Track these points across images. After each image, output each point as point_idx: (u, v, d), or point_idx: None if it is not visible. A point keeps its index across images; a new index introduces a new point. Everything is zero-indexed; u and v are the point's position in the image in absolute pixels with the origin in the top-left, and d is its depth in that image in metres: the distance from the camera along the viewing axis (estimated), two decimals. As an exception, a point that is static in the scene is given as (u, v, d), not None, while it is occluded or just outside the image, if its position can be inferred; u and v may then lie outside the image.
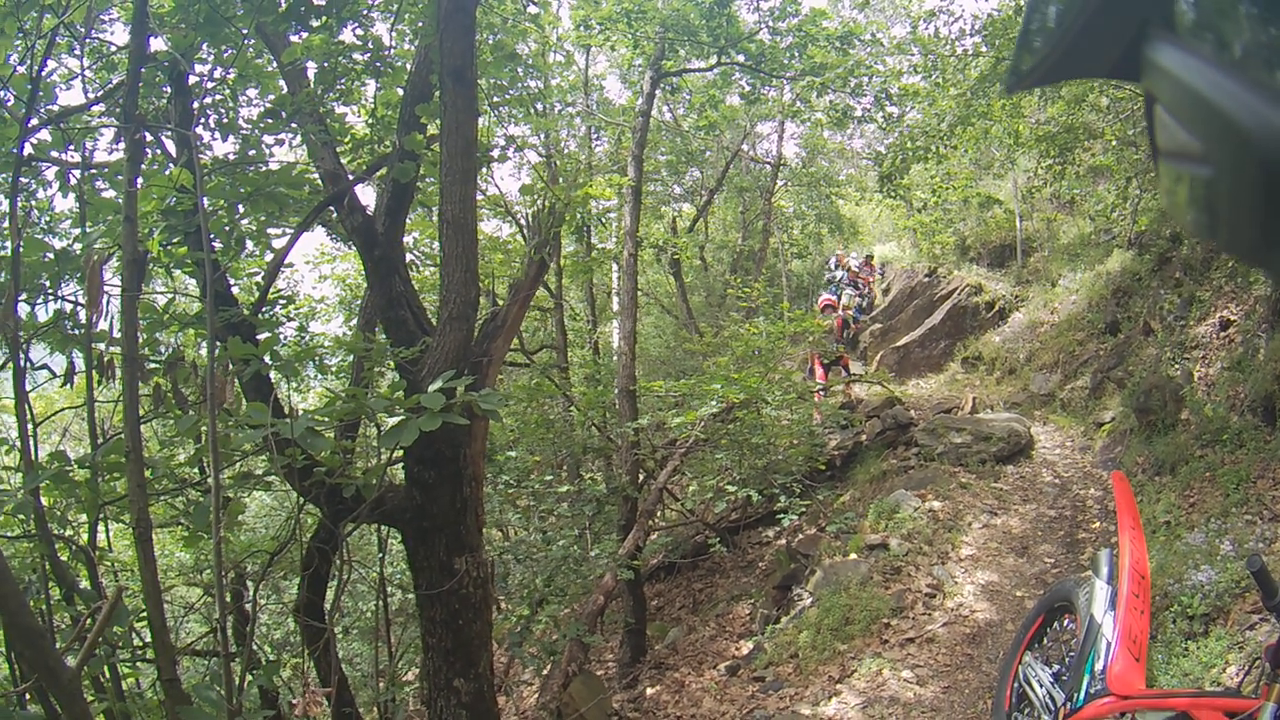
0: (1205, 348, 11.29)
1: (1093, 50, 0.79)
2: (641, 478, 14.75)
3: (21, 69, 6.05)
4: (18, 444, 5.37)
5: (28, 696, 4.90)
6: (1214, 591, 7.19)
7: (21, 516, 5.39)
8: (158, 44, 6.04)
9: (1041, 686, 5.95)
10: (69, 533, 6.17)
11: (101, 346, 5.41)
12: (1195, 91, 0.66)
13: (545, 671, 10.68)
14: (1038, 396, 16.35)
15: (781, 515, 12.73)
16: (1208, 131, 0.65)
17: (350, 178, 7.81)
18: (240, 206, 6.70)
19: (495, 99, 10.35)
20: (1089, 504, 11.71)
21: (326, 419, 5.37)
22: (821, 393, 17.22)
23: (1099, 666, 5.08)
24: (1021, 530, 11.22)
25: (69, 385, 5.80)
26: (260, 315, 7.12)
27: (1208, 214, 0.68)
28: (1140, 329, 13.75)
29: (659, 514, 15.88)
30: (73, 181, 6.48)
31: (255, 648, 6.52)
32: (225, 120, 7.24)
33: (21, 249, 4.88)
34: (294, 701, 5.36)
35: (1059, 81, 1.06)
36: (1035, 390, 16.58)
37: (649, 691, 11.25)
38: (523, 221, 14.67)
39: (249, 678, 5.50)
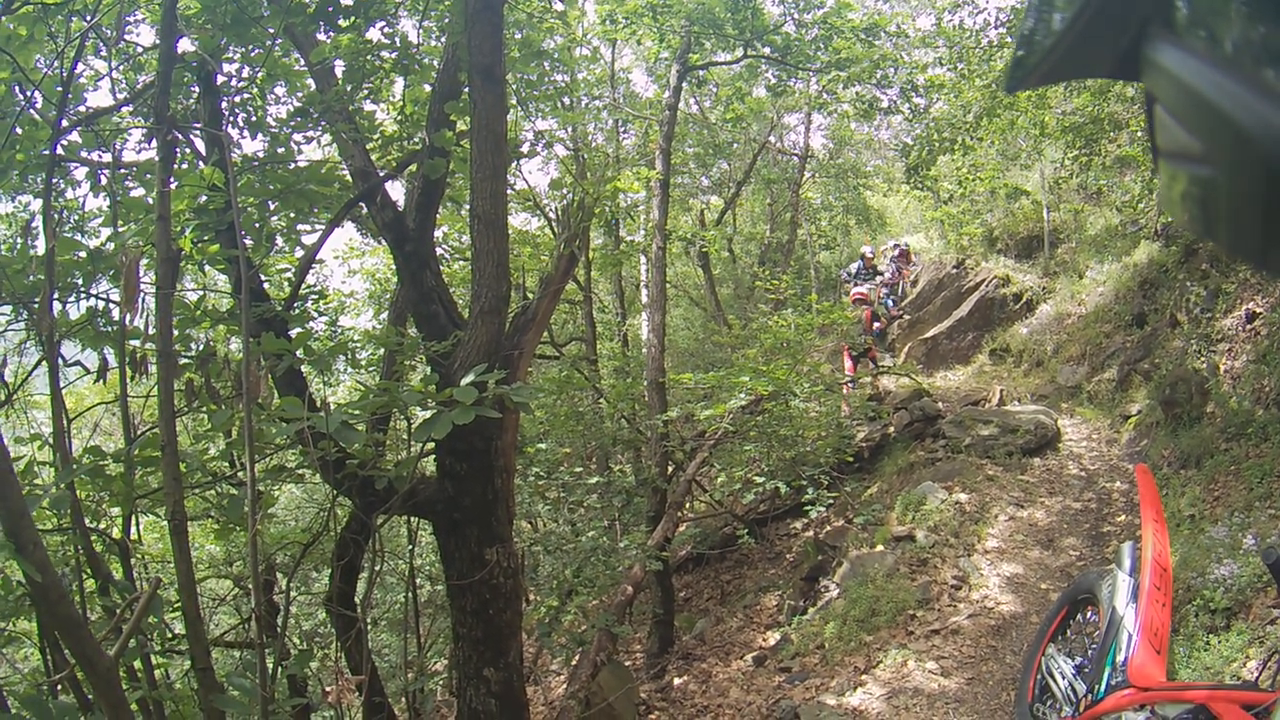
0: (1231, 341, 11.21)
1: (1093, 50, 0.80)
2: (670, 469, 14.80)
3: (49, 72, 6.15)
4: (51, 440, 5.47)
5: (59, 687, 5.00)
6: (1236, 586, 7.17)
7: (51, 512, 5.49)
8: (185, 45, 6.11)
9: (1064, 678, 5.98)
10: (103, 525, 6.27)
11: (134, 343, 5.49)
12: (1195, 92, 0.67)
13: (574, 661, 10.71)
14: (1065, 389, 16.25)
15: (809, 507, 12.72)
16: (1208, 132, 0.67)
17: (380, 174, 7.88)
18: (270, 204, 6.78)
19: (523, 94, 10.41)
20: (1115, 497, 11.66)
21: (360, 412, 5.44)
22: (850, 385, 17.21)
23: (1120, 658, 5.10)
24: (1047, 523, 11.19)
25: (101, 381, 5.89)
26: (292, 310, 7.21)
27: (1207, 214, 0.70)
28: (1167, 321, 13.64)
29: (688, 505, 15.91)
30: (103, 181, 6.58)
31: (285, 639, 6.60)
32: (254, 119, 7.32)
33: (55, 248, 4.96)
34: (327, 689, 5.45)
35: (1060, 81, 1.09)
36: (1062, 382, 16.46)
37: (676, 681, 11.31)
38: (552, 215, 14.75)
39: (280, 668, 5.59)
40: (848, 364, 18.38)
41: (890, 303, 22.13)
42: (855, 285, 21.14)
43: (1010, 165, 22.83)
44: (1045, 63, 0.84)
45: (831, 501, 13.20)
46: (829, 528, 13.87)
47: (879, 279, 21.88)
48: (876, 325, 20.58)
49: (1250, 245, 0.66)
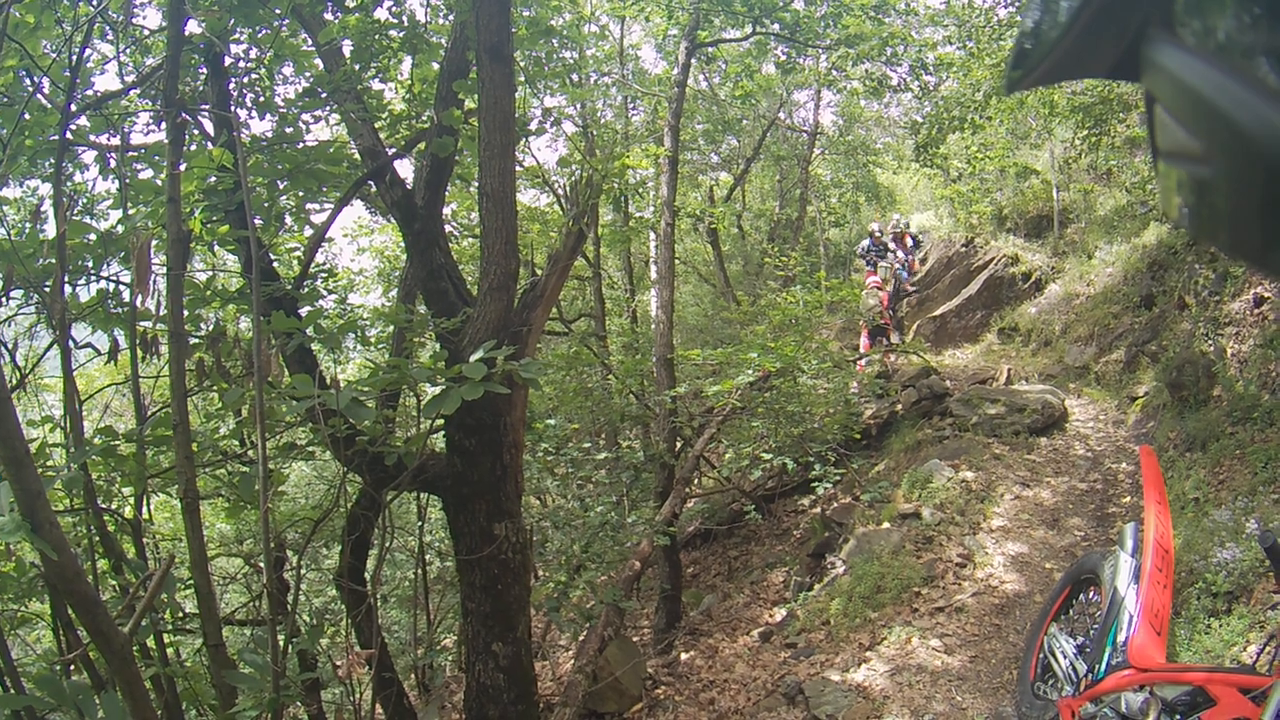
0: (1238, 324, 11.14)
1: (1093, 50, 0.79)
2: (679, 445, 14.80)
3: (57, 57, 6.19)
4: (63, 421, 5.53)
5: (72, 667, 5.07)
6: (1238, 570, 7.18)
7: (64, 492, 5.55)
8: (192, 26, 6.14)
9: (1065, 657, 6.02)
10: (115, 505, 6.34)
11: (145, 324, 5.54)
12: (1195, 92, 0.67)
13: (581, 636, 10.78)
14: (1072, 369, 16.21)
15: (816, 484, 12.77)
16: (1207, 132, 0.66)
17: (389, 153, 7.91)
18: (280, 184, 6.82)
19: (531, 71, 10.41)
20: (1120, 478, 11.67)
21: (370, 389, 5.48)
22: (863, 362, 17.25)
23: (1121, 639, 5.12)
24: (1053, 502, 11.21)
25: (112, 363, 5.94)
26: (302, 289, 7.26)
27: (1207, 214, 0.69)
28: (1175, 303, 13.57)
29: (696, 481, 15.97)
30: (112, 164, 6.62)
31: (296, 616, 6.67)
32: (262, 100, 7.35)
33: (65, 232, 5.01)
34: (338, 665, 5.52)
35: (1060, 81, 1.07)
36: (1070, 362, 16.44)
37: (683, 657, 11.36)
38: (561, 192, 14.76)
39: (291, 644, 5.65)
40: (864, 341, 18.42)
41: (905, 274, 21.99)
42: (868, 265, 21.10)
43: (1020, 144, 22.74)
44: (1044, 63, 0.83)
45: (839, 478, 13.25)
46: (836, 505, 13.92)
47: (891, 257, 21.75)
48: (894, 305, 20.49)
49: (1250, 245, 0.65)
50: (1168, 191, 0.75)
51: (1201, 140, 0.67)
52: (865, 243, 21.66)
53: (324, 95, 7.33)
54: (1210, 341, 11.50)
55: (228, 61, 6.90)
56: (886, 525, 11.64)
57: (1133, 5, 0.75)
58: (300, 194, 7.22)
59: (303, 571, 8.07)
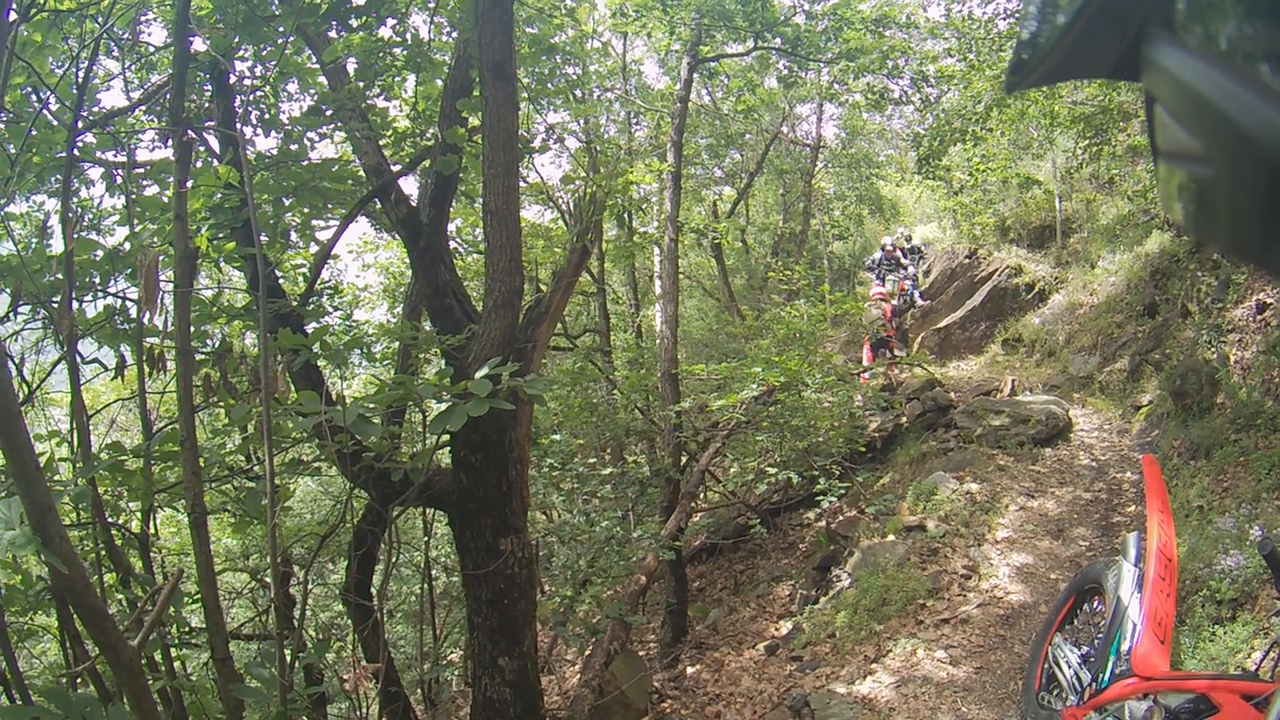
0: (1242, 331, 11.10)
1: (1093, 50, 0.79)
2: (684, 460, 14.80)
3: (63, 73, 6.24)
4: (70, 436, 5.55)
5: (79, 679, 5.09)
6: (1242, 577, 7.17)
7: (72, 506, 5.58)
8: (198, 44, 6.18)
9: (1070, 667, 6.01)
10: (123, 520, 6.37)
11: (151, 340, 5.57)
12: (1196, 92, 0.67)
13: (588, 650, 10.78)
14: (1076, 379, 16.20)
15: (821, 497, 12.72)
16: (1208, 132, 0.66)
17: (394, 171, 7.94)
18: (285, 201, 6.86)
19: (534, 89, 10.44)
20: (1125, 487, 11.64)
21: (376, 406, 5.50)
22: (866, 375, 17.24)
23: (1125, 647, 5.11)
24: (1057, 513, 11.19)
25: (119, 378, 5.98)
26: (308, 306, 7.29)
27: (1207, 214, 0.69)
28: (1178, 311, 13.55)
29: (701, 496, 15.94)
30: (118, 181, 6.66)
31: (302, 630, 6.69)
32: (267, 117, 7.38)
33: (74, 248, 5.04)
34: (345, 678, 5.52)
35: (1060, 82, 1.07)
36: (1074, 372, 16.41)
37: (689, 670, 11.35)
38: (565, 208, 14.80)
39: (297, 658, 5.67)
40: (866, 353, 18.41)
41: (917, 293, 21.92)
42: (875, 279, 21.05)
43: (1022, 155, 22.71)
44: (1045, 63, 0.83)
45: (844, 491, 13.21)
46: (841, 517, 13.89)
47: (901, 273, 21.71)
48: (897, 319, 20.43)
49: (1250, 245, 0.65)
50: (1168, 192, 0.75)
51: (1202, 140, 0.67)
52: (877, 255, 21.65)
53: (329, 113, 7.37)
54: (1214, 349, 11.46)
55: (233, 79, 6.94)
56: (891, 538, 11.63)
57: (1133, 5, 0.76)
58: (306, 211, 7.26)
59: (309, 586, 8.10)
